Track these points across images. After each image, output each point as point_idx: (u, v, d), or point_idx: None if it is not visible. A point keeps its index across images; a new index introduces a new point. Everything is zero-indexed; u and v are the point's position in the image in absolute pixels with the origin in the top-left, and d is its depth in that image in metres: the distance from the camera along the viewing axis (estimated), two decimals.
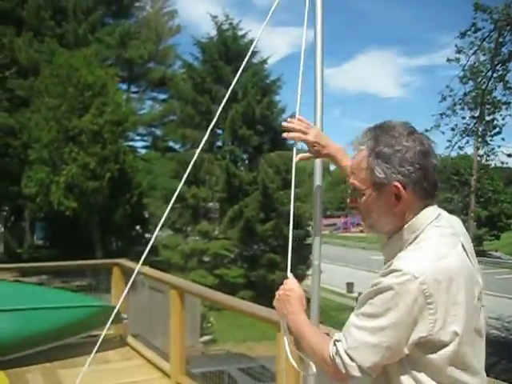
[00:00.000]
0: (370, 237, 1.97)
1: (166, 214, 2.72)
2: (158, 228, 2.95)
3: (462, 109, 14.73)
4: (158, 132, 30.11)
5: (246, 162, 25.92)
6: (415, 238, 1.65)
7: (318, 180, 2.28)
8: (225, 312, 17.51)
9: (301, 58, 2.34)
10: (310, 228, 24.46)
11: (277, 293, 1.96)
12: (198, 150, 2.95)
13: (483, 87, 14.07)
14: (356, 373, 1.57)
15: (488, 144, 15.07)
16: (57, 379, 5.39)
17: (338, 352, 1.60)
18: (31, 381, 5.24)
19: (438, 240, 1.63)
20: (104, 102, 20.77)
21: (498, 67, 13.88)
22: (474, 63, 14.18)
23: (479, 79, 14.32)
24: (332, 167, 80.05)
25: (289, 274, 2.03)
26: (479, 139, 15.71)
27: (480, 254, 44.55)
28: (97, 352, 6.02)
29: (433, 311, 1.51)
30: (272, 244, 23.23)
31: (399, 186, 1.63)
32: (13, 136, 22.14)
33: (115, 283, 6.73)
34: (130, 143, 27.02)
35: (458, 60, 13.93)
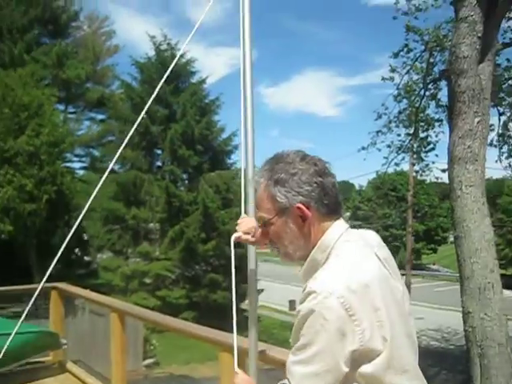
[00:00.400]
0: None
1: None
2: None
3: (397, 126, 15.05)
4: (96, 153, 29.68)
5: (186, 181, 25.84)
6: (327, 257, 1.68)
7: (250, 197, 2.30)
8: (167, 334, 17.30)
9: (239, 78, 2.40)
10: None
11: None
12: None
13: (416, 105, 14.40)
14: None
15: (423, 160, 15.43)
16: None
17: None
18: None
19: (348, 253, 1.66)
20: (40, 122, 20.28)
21: (430, 86, 14.27)
22: (408, 82, 14.54)
23: (413, 98, 14.68)
24: None
25: (236, 369, 1.99)
26: (414, 155, 16.11)
27: (418, 267, 45.70)
28: (35, 380, 5.89)
29: (358, 322, 1.52)
30: (214, 264, 23.17)
31: (302, 206, 1.68)
32: None
33: (54, 308, 6.55)
34: (68, 164, 26.47)
35: (392, 79, 14.29)
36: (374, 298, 1.56)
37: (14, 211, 19.35)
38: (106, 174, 2.70)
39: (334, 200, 1.73)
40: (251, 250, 2.37)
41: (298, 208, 1.69)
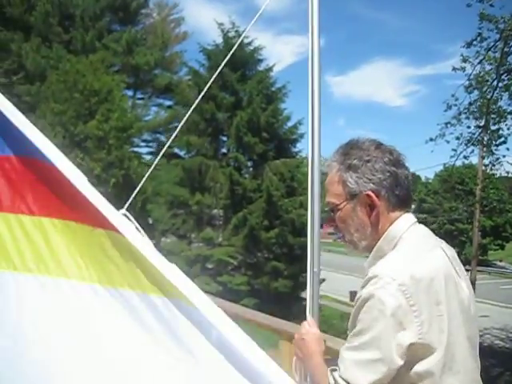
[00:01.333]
0: None
1: None
2: None
3: (467, 118, 14.71)
4: (163, 138, 30.21)
5: (251, 169, 25.89)
6: (394, 246, 1.64)
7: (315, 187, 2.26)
8: None
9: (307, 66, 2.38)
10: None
11: (295, 335, 1.92)
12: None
13: (488, 97, 14.04)
14: None
15: (493, 154, 15.04)
16: None
17: (335, 381, 1.55)
18: None
19: (416, 241, 1.65)
20: (110, 108, 20.84)
21: (503, 77, 13.86)
22: (480, 72, 14.16)
23: (484, 88, 14.29)
24: None
25: (308, 315, 1.94)
26: (484, 149, 15.70)
27: (484, 263, 44.47)
28: None
29: (417, 313, 1.48)
30: (276, 252, 23.16)
31: (372, 194, 1.67)
32: None
33: None
34: (135, 149, 27.10)
35: (463, 69, 13.94)
36: (439, 292, 1.52)
37: None
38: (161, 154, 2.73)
39: (405, 192, 1.71)
40: (315, 239, 2.34)
41: (368, 195, 1.68)
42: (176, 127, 28.26)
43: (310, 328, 1.87)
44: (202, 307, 2.23)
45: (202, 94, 3.38)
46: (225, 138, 25.72)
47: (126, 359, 2.61)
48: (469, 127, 14.81)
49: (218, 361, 2.05)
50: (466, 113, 14.57)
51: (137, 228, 2.59)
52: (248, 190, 23.53)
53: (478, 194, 23.68)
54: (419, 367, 1.50)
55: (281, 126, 25.41)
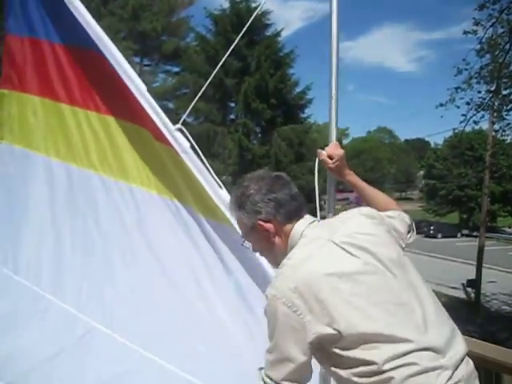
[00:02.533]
0: None
1: None
2: None
3: (478, 83, 14.49)
4: (171, 105, 30.09)
5: (259, 135, 25.87)
6: (290, 256, 1.89)
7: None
8: None
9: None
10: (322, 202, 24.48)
11: (329, 163, 2.36)
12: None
13: (500, 60, 13.84)
14: None
15: (504, 119, 14.92)
16: None
17: (263, 378, 1.82)
18: None
19: (299, 252, 1.87)
20: None
21: None
22: (492, 36, 13.94)
23: (496, 52, 14.08)
24: (345, 141, 79.64)
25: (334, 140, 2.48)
26: (495, 114, 15.57)
27: (493, 230, 44.47)
28: None
29: (302, 315, 1.72)
30: None
31: (261, 222, 1.95)
32: None
33: None
34: None
35: (475, 32, 13.72)
36: (319, 291, 1.72)
37: None
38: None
39: (290, 207, 1.97)
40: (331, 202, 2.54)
41: (260, 224, 1.96)
42: (184, 94, 28.18)
43: (337, 151, 2.38)
44: None
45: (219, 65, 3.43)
46: (233, 104, 25.65)
47: (171, 263, 2.91)
48: (479, 92, 14.63)
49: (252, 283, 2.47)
50: (476, 77, 14.37)
51: (192, 146, 2.67)
52: (257, 156, 23.55)
53: (488, 160, 23.52)
54: (334, 350, 1.73)
55: (289, 92, 25.29)
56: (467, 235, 45.13)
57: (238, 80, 23.90)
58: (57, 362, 2.98)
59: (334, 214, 2.44)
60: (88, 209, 3.28)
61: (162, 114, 2.79)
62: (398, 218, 2.18)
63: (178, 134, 2.75)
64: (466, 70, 14.24)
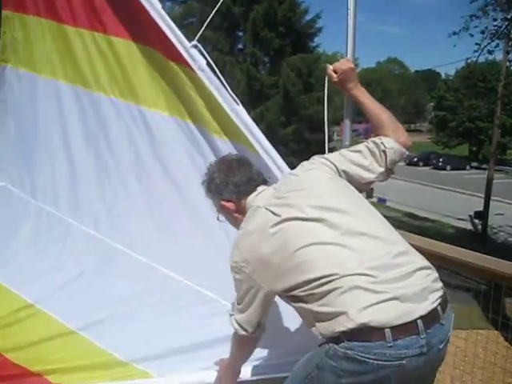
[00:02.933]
0: None
1: None
2: None
3: (494, 10, 14.13)
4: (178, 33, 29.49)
5: (268, 64, 25.47)
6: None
7: None
8: None
9: None
10: (331, 133, 24.41)
11: (342, 70, 2.47)
12: None
13: None
14: (241, 331, 2.20)
15: None
16: None
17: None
18: None
19: (245, 224, 2.18)
20: None
21: None
22: None
23: None
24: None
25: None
26: (510, 43, 15.22)
27: (502, 162, 44.34)
28: None
29: (247, 269, 2.07)
30: (292, 148, 23.21)
31: (223, 202, 2.29)
32: None
33: None
34: None
35: None
36: (257, 248, 2.05)
37: None
38: None
39: (246, 188, 2.26)
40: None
41: (222, 204, 2.31)
42: (191, 23, 27.60)
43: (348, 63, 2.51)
44: (265, 155, 2.60)
45: None
46: (241, 34, 25.14)
47: (186, 183, 3.03)
48: (495, 20, 14.27)
49: None
50: (493, 4, 14.03)
51: (208, 62, 2.65)
52: (265, 87, 23.27)
53: (501, 91, 23.15)
54: (279, 289, 2.04)
55: (298, 20, 24.67)
56: (476, 167, 45.16)
57: (245, 8, 23.32)
58: (79, 282, 3.13)
59: (351, 144, 2.50)
60: (99, 132, 3.29)
61: (177, 31, 2.76)
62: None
63: (194, 51, 2.73)
64: None
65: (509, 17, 14.15)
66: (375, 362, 1.75)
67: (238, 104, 2.65)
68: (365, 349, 1.75)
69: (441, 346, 1.86)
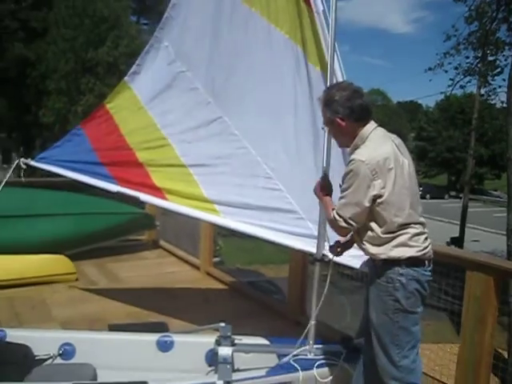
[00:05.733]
0: None
1: None
2: None
3: (466, 48, 14.99)
4: None
5: None
6: (363, 142, 2.79)
7: None
8: (231, 238, 18.54)
9: None
10: None
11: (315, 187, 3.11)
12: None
13: (487, 28, 14.29)
14: (343, 224, 2.72)
15: (490, 84, 15.52)
16: (106, 270, 6.57)
17: (333, 215, 2.75)
18: (86, 270, 6.40)
19: (375, 139, 2.77)
20: (119, 34, 21.22)
21: (502, 8, 14.04)
22: (480, 4, 14.38)
23: (484, 20, 14.52)
24: None
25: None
26: (481, 79, 16.17)
27: (480, 192, 45.42)
28: (135, 252, 7.19)
29: (379, 180, 2.62)
30: None
31: (339, 120, 2.79)
32: (30, 67, 22.38)
33: None
34: None
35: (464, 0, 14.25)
36: (389, 165, 2.65)
37: None
38: None
39: (361, 112, 2.79)
40: None
41: (336, 121, 2.81)
42: None
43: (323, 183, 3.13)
44: None
45: None
46: None
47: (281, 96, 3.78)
48: (467, 57, 15.25)
49: None
50: (464, 43, 14.91)
51: (323, 10, 3.47)
52: None
53: (474, 123, 24.33)
54: (377, 202, 2.65)
55: None
56: (455, 196, 45.98)
57: None
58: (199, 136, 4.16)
59: None
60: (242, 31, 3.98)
61: None
62: None
63: None
64: (455, 35, 14.85)
65: (479, 55, 15.13)
66: None
67: (336, 51, 3.42)
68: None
69: None
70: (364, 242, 2.79)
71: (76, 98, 20.72)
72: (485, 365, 3.29)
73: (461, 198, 37.61)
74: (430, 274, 2.75)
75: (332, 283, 3.19)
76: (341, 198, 2.73)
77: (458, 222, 25.08)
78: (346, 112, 2.76)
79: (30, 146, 30.02)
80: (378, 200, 2.64)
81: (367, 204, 2.64)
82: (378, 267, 2.75)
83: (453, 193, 48.37)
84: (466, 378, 3.39)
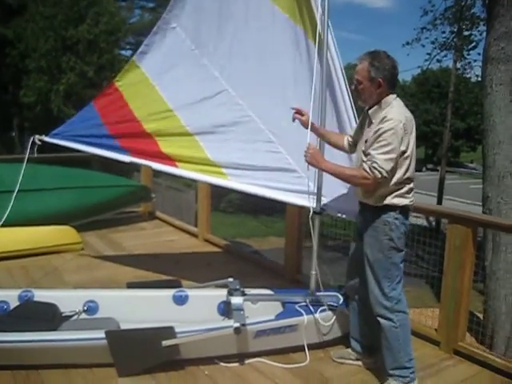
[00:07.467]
0: None
1: None
2: None
3: (442, 24, 15.50)
4: None
5: None
6: (388, 105, 3.20)
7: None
8: (216, 213, 18.89)
9: None
10: None
11: (306, 153, 3.38)
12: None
13: (463, 3, 14.62)
14: (382, 175, 3.05)
15: (465, 58, 16.06)
16: (109, 240, 6.93)
17: (370, 168, 3.06)
18: (90, 241, 6.74)
19: (398, 105, 3.19)
20: (98, 11, 21.15)
21: None
22: None
23: None
24: None
25: (308, 136, 3.50)
26: (457, 53, 16.56)
27: (456, 164, 46.13)
28: (133, 223, 7.56)
29: (407, 136, 3.07)
30: None
31: (381, 80, 3.15)
32: (9, 46, 22.05)
33: (144, 168, 8.04)
34: (122, 52, 27.44)
35: None
36: (413, 127, 3.14)
37: (76, 96, 20.53)
38: None
39: (394, 82, 3.22)
40: None
41: (378, 81, 3.16)
42: None
43: (314, 146, 3.51)
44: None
45: None
46: None
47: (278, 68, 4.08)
48: (443, 32, 15.83)
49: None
50: (441, 19, 15.46)
51: None
52: None
53: (450, 96, 24.83)
54: (403, 155, 3.09)
55: None
56: (432, 169, 46.79)
57: None
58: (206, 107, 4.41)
59: None
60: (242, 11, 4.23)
61: None
62: None
63: None
64: (432, 11, 15.42)
65: (455, 30, 15.52)
66: None
67: (329, 27, 3.77)
68: None
69: None
70: (370, 191, 3.20)
71: (57, 76, 20.70)
72: (464, 306, 3.78)
73: (438, 170, 38.33)
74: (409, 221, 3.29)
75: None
76: (379, 154, 3.06)
77: (436, 194, 25.63)
78: (389, 77, 3.15)
79: (6, 126, 29.88)
80: (404, 155, 3.08)
81: (398, 158, 3.06)
82: (375, 213, 3.22)
83: (430, 165, 49.12)
84: (448, 319, 3.86)
